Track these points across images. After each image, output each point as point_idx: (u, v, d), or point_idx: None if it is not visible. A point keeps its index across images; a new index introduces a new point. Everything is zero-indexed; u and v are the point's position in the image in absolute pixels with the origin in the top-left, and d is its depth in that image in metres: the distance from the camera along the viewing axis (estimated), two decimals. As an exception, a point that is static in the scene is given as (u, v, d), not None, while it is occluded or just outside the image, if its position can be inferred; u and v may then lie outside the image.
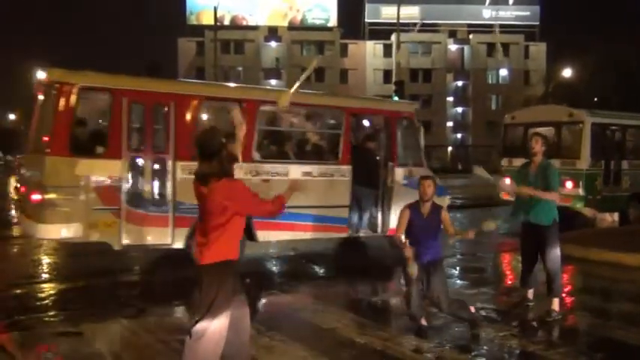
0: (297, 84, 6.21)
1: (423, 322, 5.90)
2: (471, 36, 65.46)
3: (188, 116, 8.56)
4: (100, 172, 7.97)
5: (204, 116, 9.49)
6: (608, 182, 13.94)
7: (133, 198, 8.13)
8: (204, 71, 59.76)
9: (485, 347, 5.66)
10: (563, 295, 7.30)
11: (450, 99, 65.56)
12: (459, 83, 65.90)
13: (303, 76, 5.99)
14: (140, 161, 8.30)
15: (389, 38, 61.09)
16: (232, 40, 61.57)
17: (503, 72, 65.69)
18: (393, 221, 8.95)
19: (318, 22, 64.34)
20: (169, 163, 8.34)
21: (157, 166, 8.40)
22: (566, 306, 7.10)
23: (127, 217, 8.06)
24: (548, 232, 6.65)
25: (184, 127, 8.43)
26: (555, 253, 6.66)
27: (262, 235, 9.08)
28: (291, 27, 63.82)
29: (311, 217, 9.36)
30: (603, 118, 14.17)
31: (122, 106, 8.07)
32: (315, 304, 7.14)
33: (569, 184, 13.38)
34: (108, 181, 7.97)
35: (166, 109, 8.45)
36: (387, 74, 61.20)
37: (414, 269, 5.56)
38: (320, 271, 9.77)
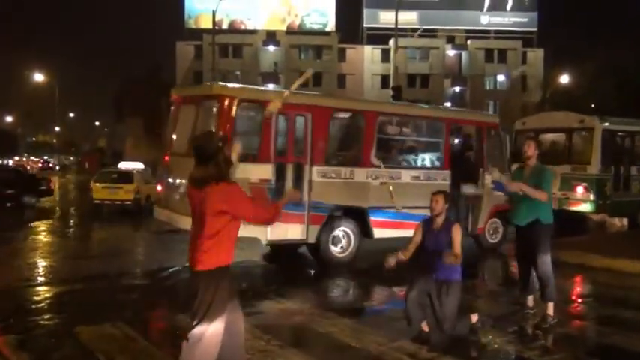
0: (290, 88, 6.31)
1: (425, 327, 5.81)
2: (468, 42, 65.50)
3: (321, 126, 9.71)
4: (254, 174, 8.88)
5: (334, 126, 10.51)
6: (618, 187, 14.06)
7: (278, 198, 8.66)
8: (202, 75, 59.71)
9: (481, 353, 5.66)
10: (562, 301, 7.31)
11: (448, 104, 65.65)
12: (457, 89, 65.92)
13: (296, 84, 6.08)
14: (284, 165, 9.35)
15: (387, 43, 61.16)
16: (230, 44, 61.56)
17: (501, 78, 65.74)
18: (481, 222, 11.36)
19: (316, 26, 64.34)
20: (306, 168, 9.48)
21: (296, 170, 9.46)
22: (564, 312, 7.10)
23: None
24: (539, 235, 6.61)
25: (318, 136, 9.62)
26: (546, 257, 6.64)
27: (378, 233, 10.21)
28: (290, 31, 63.87)
29: (418, 217, 9.87)
30: (613, 125, 14.29)
31: (271, 117, 8.94)
32: (312, 308, 7.13)
33: (579, 189, 13.52)
34: (259, 183, 8.95)
35: (304, 119, 9.57)
36: (384, 79, 61.23)
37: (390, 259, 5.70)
38: (317, 275, 9.75)
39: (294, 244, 10.09)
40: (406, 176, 10.63)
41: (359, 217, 10.10)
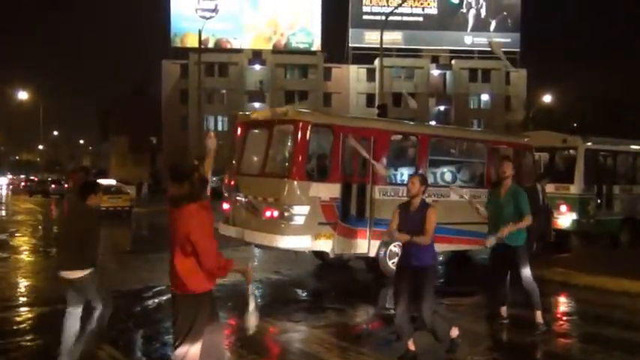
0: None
1: (411, 346, 5.76)
2: (453, 61, 66.29)
3: (382, 147, 10.33)
4: (324, 193, 9.59)
5: (391, 147, 11.01)
6: (601, 206, 14.17)
7: (344, 214, 9.82)
8: (188, 93, 59.72)
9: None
10: (547, 318, 7.34)
11: (433, 123, 66.07)
12: (442, 108, 66.53)
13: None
14: (350, 185, 9.95)
15: (372, 63, 61.67)
16: (216, 63, 61.67)
17: (485, 97, 66.52)
18: None
19: (302, 46, 64.77)
20: (368, 187, 10.05)
21: (360, 189, 10.04)
22: (549, 329, 7.15)
23: (339, 231, 9.70)
24: (519, 252, 7.04)
25: (379, 157, 10.20)
26: (527, 271, 7.07)
27: None
28: (275, 50, 64.21)
29: (463, 232, 10.77)
30: (596, 144, 14.44)
31: (339, 140, 9.75)
32: (298, 327, 7.11)
33: (563, 208, 13.63)
34: (329, 201, 9.62)
35: (367, 142, 10.10)
36: (370, 98, 61.63)
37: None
38: (303, 294, 9.73)
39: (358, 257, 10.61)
40: (454, 194, 10.95)
41: None
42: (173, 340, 4.02)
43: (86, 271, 5.33)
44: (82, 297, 5.38)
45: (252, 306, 4.34)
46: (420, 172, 10.01)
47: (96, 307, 5.42)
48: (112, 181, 29.51)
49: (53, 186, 49.97)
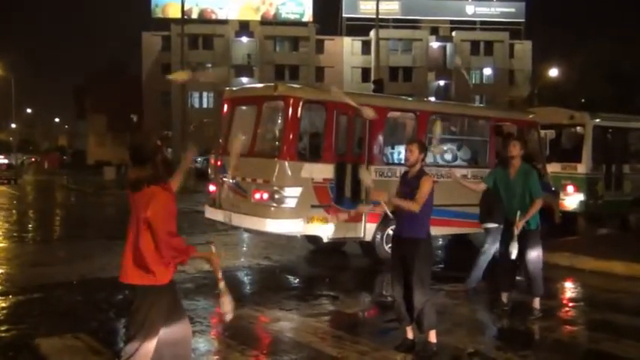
0: None
1: (409, 334, 5.81)
2: (453, 33, 66.05)
3: (377, 126, 10.16)
4: (318, 174, 9.58)
5: (388, 125, 10.97)
6: (610, 186, 14.22)
7: (338, 197, 9.76)
8: (171, 67, 59.30)
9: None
10: (552, 305, 7.42)
11: (432, 99, 66.03)
12: (441, 82, 66.40)
13: None
14: (344, 165, 9.86)
15: (367, 34, 61.38)
16: (200, 35, 61.24)
17: (488, 71, 66.39)
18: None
19: (292, 16, 64.34)
20: (364, 167, 9.82)
21: (355, 169, 9.70)
22: (553, 316, 7.23)
23: (333, 213, 9.70)
24: (531, 235, 7.10)
25: (375, 135, 10.19)
26: (537, 255, 7.18)
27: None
28: (264, 21, 63.76)
29: (463, 215, 10.73)
30: (605, 121, 14.43)
31: (333, 117, 9.69)
32: (290, 316, 7.13)
33: (570, 189, 13.65)
34: (322, 182, 9.61)
35: (362, 120, 9.78)
36: (365, 72, 61.46)
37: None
38: (295, 281, 9.76)
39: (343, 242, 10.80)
40: (455, 174, 10.89)
41: None
42: (126, 335, 3.97)
43: (491, 224, 8.08)
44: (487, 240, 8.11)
45: (222, 290, 4.28)
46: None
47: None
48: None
49: None
